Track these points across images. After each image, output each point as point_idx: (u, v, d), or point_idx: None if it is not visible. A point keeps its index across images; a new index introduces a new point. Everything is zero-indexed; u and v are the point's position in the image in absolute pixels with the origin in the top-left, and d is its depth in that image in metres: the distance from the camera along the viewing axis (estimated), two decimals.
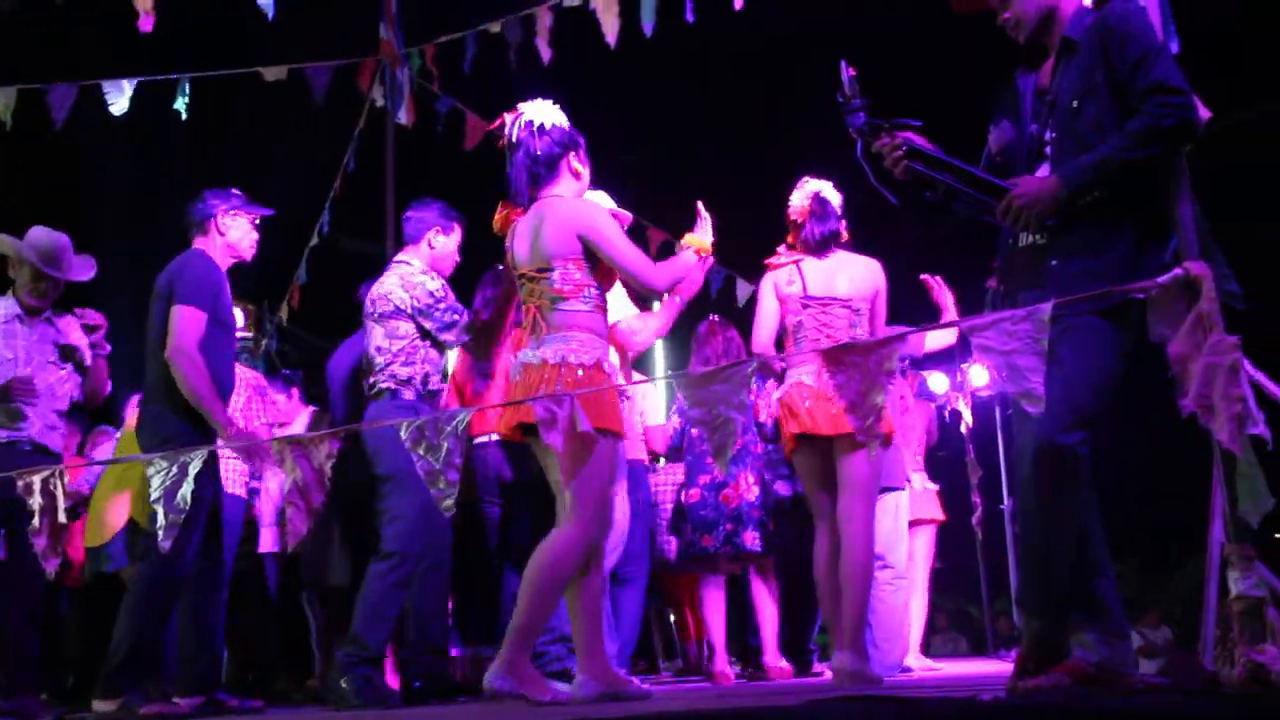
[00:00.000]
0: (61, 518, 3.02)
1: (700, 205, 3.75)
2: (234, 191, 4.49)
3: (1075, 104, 2.90)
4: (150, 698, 3.97)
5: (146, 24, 3.90)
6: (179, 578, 4.07)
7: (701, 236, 3.70)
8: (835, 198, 4.59)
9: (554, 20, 6.34)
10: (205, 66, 7.08)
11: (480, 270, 4.85)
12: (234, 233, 4.42)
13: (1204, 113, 2.89)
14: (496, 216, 3.58)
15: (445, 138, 7.53)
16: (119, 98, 6.38)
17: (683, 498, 5.58)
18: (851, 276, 4.50)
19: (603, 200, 4.69)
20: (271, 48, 7.46)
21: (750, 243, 4.72)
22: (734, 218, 3.89)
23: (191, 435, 4.05)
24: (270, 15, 3.60)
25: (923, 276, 5.53)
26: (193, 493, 2.96)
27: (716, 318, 5.80)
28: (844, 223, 4.60)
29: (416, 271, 4.42)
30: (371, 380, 4.36)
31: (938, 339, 5.70)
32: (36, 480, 2.97)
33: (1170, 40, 3.07)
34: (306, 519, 2.87)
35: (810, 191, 4.59)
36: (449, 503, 2.89)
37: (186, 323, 4.09)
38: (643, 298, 4.33)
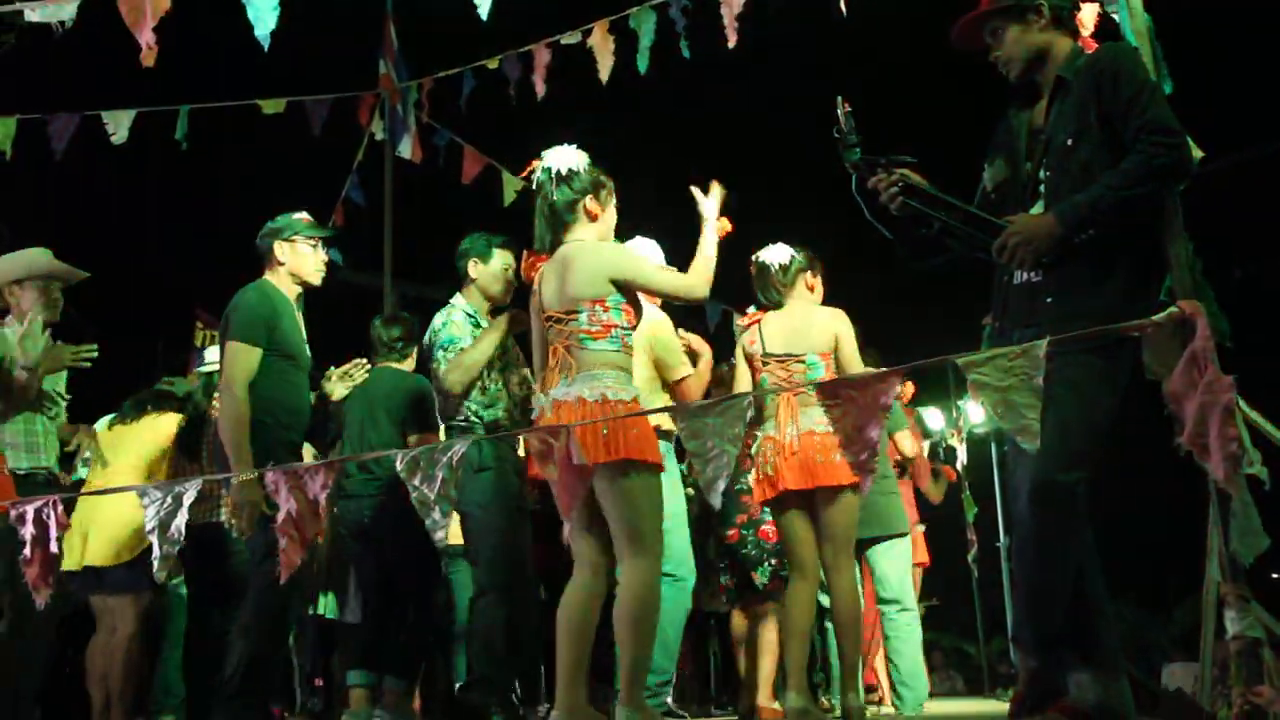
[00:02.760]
0: (54, 548, 2.99)
1: (695, 190, 3.71)
2: (296, 217, 4.36)
3: (1069, 142, 2.92)
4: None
5: (148, 57, 3.90)
6: (288, 601, 4.02)
7: (711, 212, 3.64)
8: (777, 258, 4.59)
9: (551, 57, 6.39)
10: (205, 98, 7.12)
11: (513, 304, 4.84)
12: (293, 260, 4.29)
13: (1197, 152, 2.92)
14: (524, 263, 3.62)
15: (444, 172, 7.57)
16: (119, 127, 6.41)
17: (713, 540, 5.59)
18: (807, 332, 4.49)
19: (652, 251, 4.78)
20: (271, 81, 7.51)
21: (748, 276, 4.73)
22: (734, 250, 3.88)
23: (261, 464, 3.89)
24: (266, 47, 3.61)
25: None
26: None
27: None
28: (807, 275, 4.62)
29: (448, 307, 4.66)
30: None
31: None
32: (30, 509, 2.96)
33: (1163, 81, 3.10)
34: (300, 550, 2.85)
35: (751, 262, 4.65)
36: (441, 534, 2.87)
37: (234, 358, 4.00)
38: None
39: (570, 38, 6.09)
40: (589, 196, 3.55)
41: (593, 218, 3.56)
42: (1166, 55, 3.17)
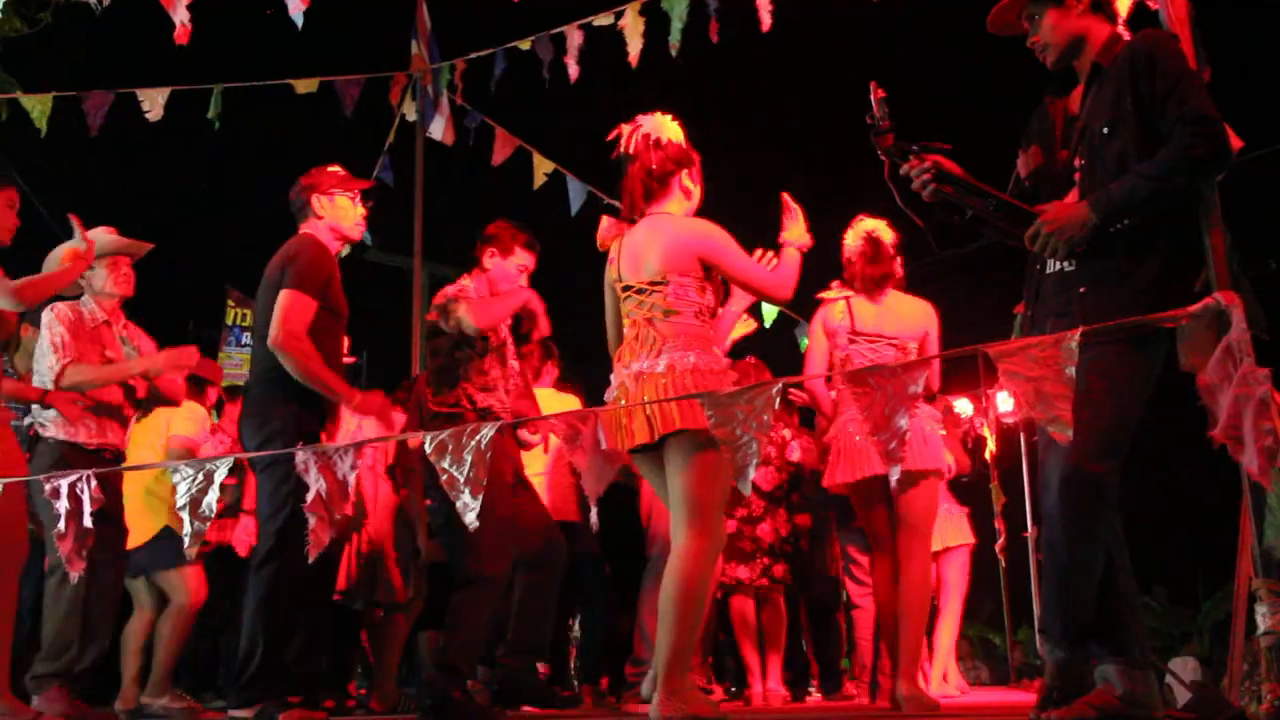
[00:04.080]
0: (87, 522, 3.02)
1: (787, 197, 3.70)
2: (329, 170, 4.26)
3: (1105, 131, 2.89)
4: (286, 705, 3.75)
5: (183, 36, 3.91)
6: (302, 581, 3.86)
7: (797, 230, 3.63)
8: (889, 236, 4.57)
9: (583, 39, 6.38)
10: (237, 77, 7.16)
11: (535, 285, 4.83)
12: (332, 213, 4.17)
13: (1235, 142, 2.88)
14: (604, 229, 3.55)
15: (474, 152, 7.58)
16: (153, 105, 6.46)
17: None
18: (901, 315, 4.50)
19: None
20: (303, 60, 7.54)
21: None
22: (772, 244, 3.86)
23: (293, 428, 3.86)
24: (299, 26, 3.61)
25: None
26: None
27: (753, 360, 5.79)
28: (898, 261, 4.59)
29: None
30: None
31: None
32: (64, 483, 2.99)
33: (1202, 69, 3.05)
34: (329, 529, 2.87)
35: (863, 231, 4.58)
36: (471, 516, 2.86)
37: (294, 307, 3.86)
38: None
39: (603, 19, 6.08)
40: (685, 171, 3.50)
41: (686, 193, 3.52)
42: (1205, 42, 3.12)
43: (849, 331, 4.45)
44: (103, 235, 4.65)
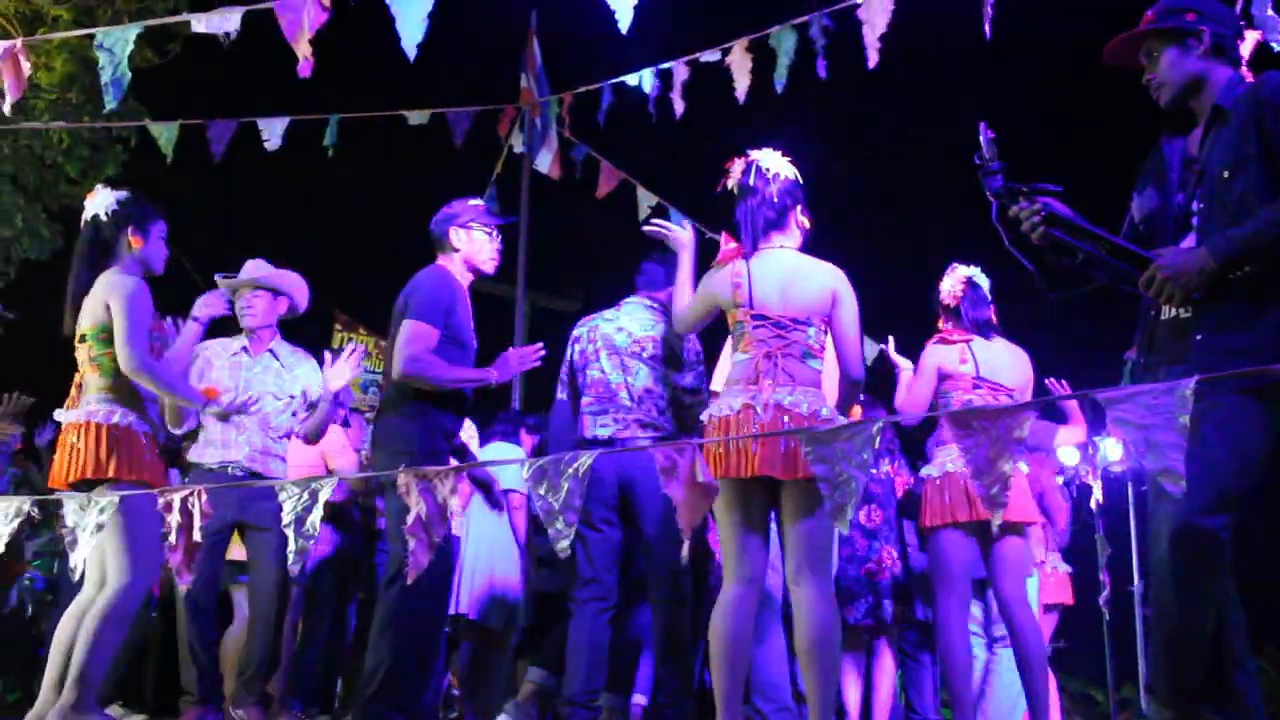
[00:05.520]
0: (197, 536, 3.13)
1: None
2: (471, 204, 4.39)
3: (1225, 174, 2.80)
4: None
5: (305, 69, 4.05)
6: (431, 603, 4.06)
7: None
8: (985, 282, 4.57)
9: (690, 74, 6.42)
10: (353, 108, 7.37)
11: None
12: (468, 246, 4.29)
13: None
14: (725, 254, 3.60)
15: (581, 185, 7.68)
16: (273, 134, 6.68)
17: None
18: (1010, 364, 4.48)
19: None
20: (415, 92, 7.73)
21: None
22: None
23: (425, 447, 3.99)
24: (412, 59, 3.72)
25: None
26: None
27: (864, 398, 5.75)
28: (992, 308, 4.57)
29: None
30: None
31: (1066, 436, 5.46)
32: (176, 498, 3.09)
33: None
34: (428, 552, 2.91)
35: (961, 276, 4.58)
36: (565, 544, 2.87)
37: (413, 336, 3.99)
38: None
39: (710, 55, 6.11)
40: (799, 206, 3.57)
41: (801, 228, 3.60)
42: None
43: (974, 378, 4.41)
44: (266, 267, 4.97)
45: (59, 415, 3.91)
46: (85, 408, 3.82)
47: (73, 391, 3.95)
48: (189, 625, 4.72)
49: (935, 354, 4.51)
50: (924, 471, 4.55)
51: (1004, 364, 4.45)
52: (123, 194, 4.01)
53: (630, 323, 4.51)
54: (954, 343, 4.49)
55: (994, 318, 4.56)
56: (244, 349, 4.99)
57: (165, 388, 3.88)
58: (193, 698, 4.74)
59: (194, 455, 4.89)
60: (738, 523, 3.40)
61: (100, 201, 3.96)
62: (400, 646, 3.88)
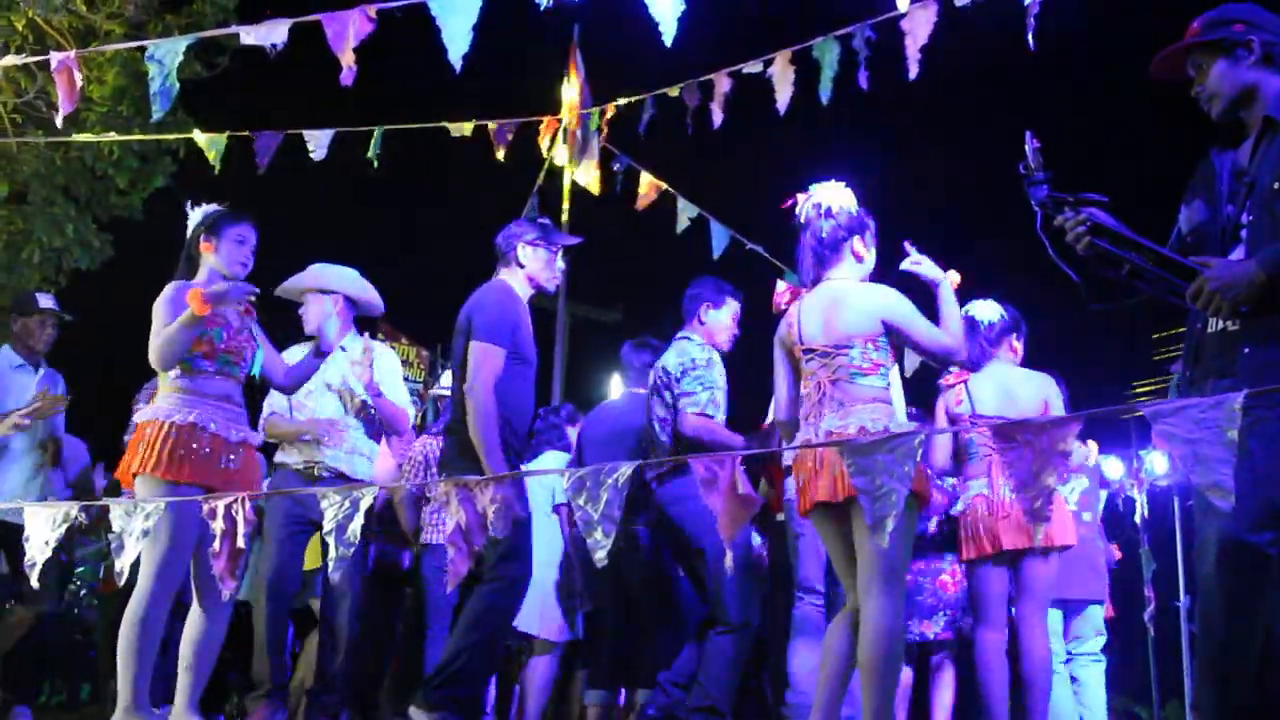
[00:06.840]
0: (241, 542, 3.15)
1: (909, 246, 3.75)
2: (539, 221, 4.47)
3: (1276, 186, 2.76)
4: None
5: (348, 78, 4.10)
6: (512, 605, 4.12)
7: (931, 269, 3.71)
8: (988, 315, 4.52)
9: (732, 86, 6.41)
10: (397, 119, 7.43)
11: (670, 330, 4.92)
12: (533, 264, 4.33)
13: None
14: (780, 293, 3.80)
15: (621, 196, 7.68)
16: (318, 146, 6.74)
17: None
18: (1017, 396, 4.41)
19: None
20: (459, 104, 7.78)
21: None
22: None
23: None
24: (458, 70, 3.76)
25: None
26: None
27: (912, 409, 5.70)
28: (1012, 337, 4.51)
29: (694, 344, 4.61)
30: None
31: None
32: (220, 505, 3.13)
33: None
34: (468, 560, 2.92)
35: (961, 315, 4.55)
36: (601, 554, 2.88)
37: (485, 360, 4.04)
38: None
39: (752, 67, 6.10)
40: (857, 236, 3.62)
41: (858, 258, 3.64)
42: None
43: (971, 417, 4.41)
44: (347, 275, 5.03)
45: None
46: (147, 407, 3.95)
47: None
48: (265, 608, 4.71)
49: (942, 399, 4.59)
50: (954, 511, 4.53)
51: (1009, 394, 4.40)
52: (209, 207, 4.10)
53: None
54: (953, 385, 4.53)
55: (1013, 347, 4.50)
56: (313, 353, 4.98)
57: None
58: (264, 690, 4.68)
59: (280, 456, 4.94)
60: (831, 550, 3.59)
61: (190, 219, 4.07)
62: (481, 642, 3.97)
